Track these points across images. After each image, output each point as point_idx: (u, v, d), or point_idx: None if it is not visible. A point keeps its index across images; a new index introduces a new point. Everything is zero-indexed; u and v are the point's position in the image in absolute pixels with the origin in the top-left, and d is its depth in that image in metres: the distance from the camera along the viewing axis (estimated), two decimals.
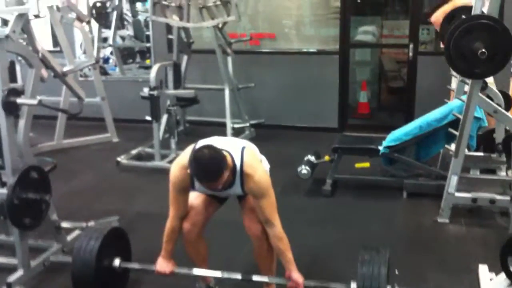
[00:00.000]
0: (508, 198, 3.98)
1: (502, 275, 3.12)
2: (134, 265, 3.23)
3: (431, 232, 4.17)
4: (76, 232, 3.95)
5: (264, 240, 2.88)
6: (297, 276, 2.84)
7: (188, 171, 2.69)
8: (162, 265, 2.99)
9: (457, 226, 4.25)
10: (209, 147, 2.66)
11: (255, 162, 2.81)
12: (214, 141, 2.84)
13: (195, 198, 3.00)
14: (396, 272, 2.83)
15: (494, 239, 3.87)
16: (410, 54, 6.82)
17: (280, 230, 2.82)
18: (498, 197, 4.25)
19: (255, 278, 2.99)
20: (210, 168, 2.59)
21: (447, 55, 3.88)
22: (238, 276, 3.00)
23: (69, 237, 3.88)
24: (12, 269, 3.43)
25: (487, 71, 3.87)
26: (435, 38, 7.08)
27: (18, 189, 3.22)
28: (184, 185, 2.83)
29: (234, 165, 2.74)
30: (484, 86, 4.20)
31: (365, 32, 7.95)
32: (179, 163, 2.83)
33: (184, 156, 2.77)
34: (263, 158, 3.07)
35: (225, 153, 2.68)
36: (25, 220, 3.32)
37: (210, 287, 3.22)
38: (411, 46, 6.79)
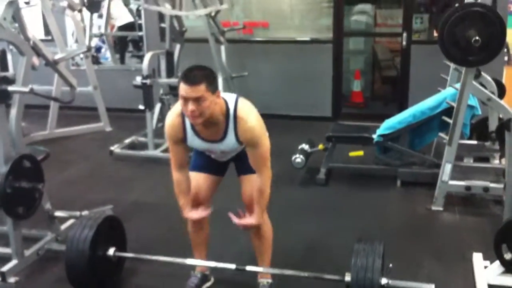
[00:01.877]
0: (501, 186, 3.98)
1: (496, 263, 3.14)
2: (129, 254, 3.22)
3: (425, 221, 4.17)
4: (70, 222, 3.93)
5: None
6: (251, 219, 2.81)
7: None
8: (195, 213, 2.90)
9: (451, 214, 4.25)
10: None
11: (249, 108, 2.76)
12: None
13: (195, 179, 2.95)
14: (390, 266, 2.82)
15: (488, 227, 3.88)
16: (404, 43, 6.80)
17: (265, 183, 2.75)
18: (492, 185, 4.26)
19: (249, 268, 3.00)
20: (196, 69, 2.56)
21: (440, 43, 3.88)
22: (233, 266, 3.01)
23: (63, 226, 3.87)
24: (6, 258, 3.42)
25: (480, 59, 3.87)
26: (428, 26, 7.08)
27: (10, 178, 3.21)
28: (178, 134, 2.77)
29: (228, 108, 2.69)
30: (478, 74, 4.20)
31: (358, 21, 7.94)
32: (173, 111, 2.78)
33: (179, 105, 2.71)
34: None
35: (221, 97, 2.66)
36: (18, 209, 3.31)
37: (206, 275, 3.22)
38: (404, 35, 6.77)
